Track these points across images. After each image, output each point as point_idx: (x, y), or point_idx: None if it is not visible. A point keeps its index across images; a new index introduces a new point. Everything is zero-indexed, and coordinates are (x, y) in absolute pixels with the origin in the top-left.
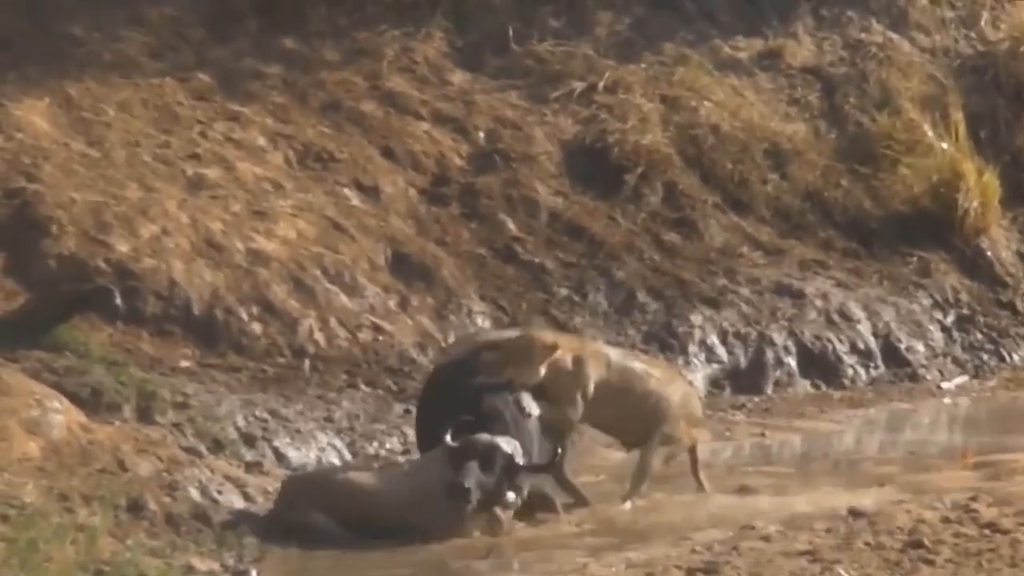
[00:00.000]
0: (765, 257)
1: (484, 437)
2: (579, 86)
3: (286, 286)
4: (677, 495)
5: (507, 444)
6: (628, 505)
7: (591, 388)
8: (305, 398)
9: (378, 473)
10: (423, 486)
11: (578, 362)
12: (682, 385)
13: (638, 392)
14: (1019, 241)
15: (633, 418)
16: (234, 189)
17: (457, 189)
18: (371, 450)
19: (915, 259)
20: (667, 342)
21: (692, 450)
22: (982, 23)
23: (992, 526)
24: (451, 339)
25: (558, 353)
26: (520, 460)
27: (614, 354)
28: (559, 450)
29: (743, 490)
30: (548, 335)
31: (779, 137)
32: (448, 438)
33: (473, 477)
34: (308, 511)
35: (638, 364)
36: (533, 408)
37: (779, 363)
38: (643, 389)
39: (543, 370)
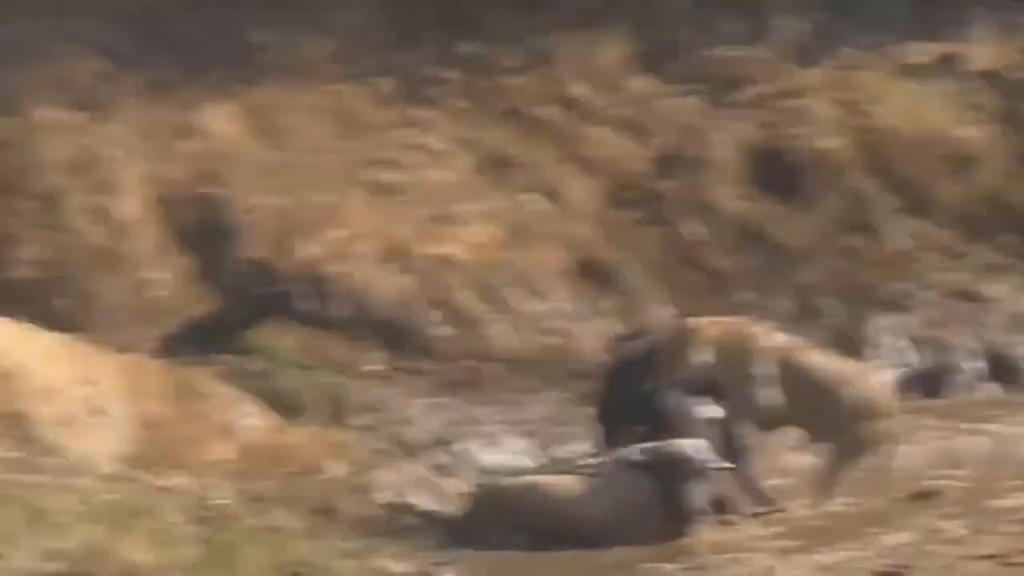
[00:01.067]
0: (948, 261)
1: (688, 449)
2: (757, 91)
3: (473, 291)
4: (865, 498)
5: (707, 450)
6: (817, 507)
7: (761, 378)
8: (494, 402)
9: (574, 488)
10: (626, 500)
11: (746, 353)
12: (866, 379)
13: (815, 387)
14: None
15: (813, 413)
16: (418, 194)
17: (639, 194)
18: (560, 453)
19: None
20: (851, 346)
21: (882, 444)
22: None
23: None
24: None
25: (722, 344)
26: (721, 464)
27: (784, 344)
28: (746, 451)
29: (929, 493)
30: (711, 325)
31: (958, 141)
32: (636, 452)
33: (699, 495)
34: (494, 527)
35: (815, 358)
36: (710, 412)
37: (964, 366)
38: (821, 384)
39: (707, 358)
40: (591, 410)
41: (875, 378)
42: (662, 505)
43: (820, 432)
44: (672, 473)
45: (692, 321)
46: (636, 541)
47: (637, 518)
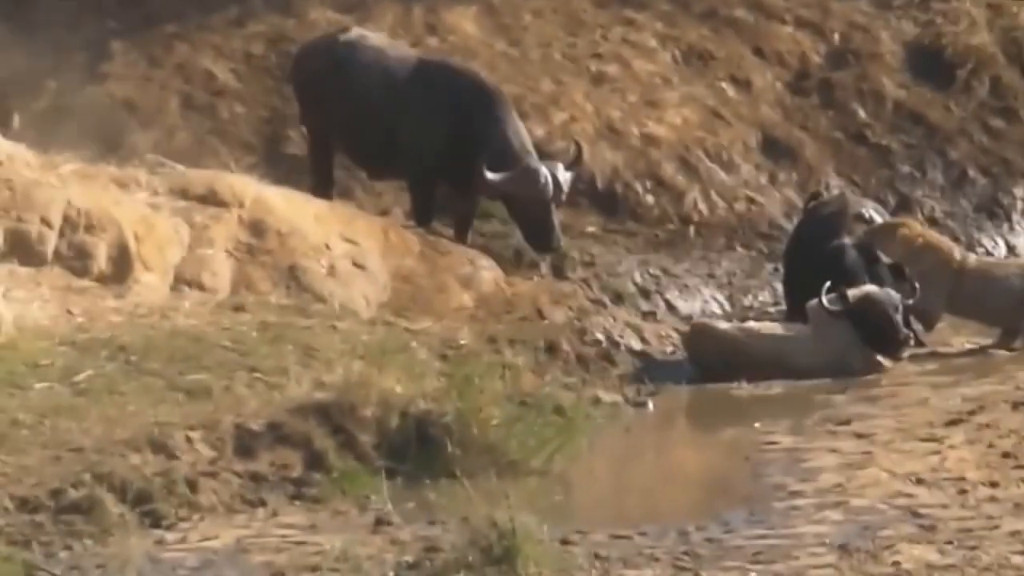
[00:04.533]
0: None
1: (887, 292)
2: None
3: (674, 164)
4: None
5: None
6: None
7: (945, 285)
8: (691, 258)
9: (784, 335)
10: (831, 341)
11: (933, 260)
12: None
13: (997, 293)
14: None
15: (997, 313)
16: (630, 83)
17: (816, 82)
18: (746, 302)
19: None
20: (994, 212)
21: None
22: None
23: None
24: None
25: (916, 244)
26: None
27: (972, 258)
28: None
29: None
30: (917, 229)
31: None
32: (825, 300)
33: (902, 325)
34: (713, 361)
35: (1001, 269)
36: (887, 275)
37: None
38: (1003, 290)
39: (899, 252)
40: (780, 269)
41: None
42: (866, 342)
43: (1000, 323)
44: (881, 311)
45: (903, 220)
46: (834, 376)
47: (839, 356)
